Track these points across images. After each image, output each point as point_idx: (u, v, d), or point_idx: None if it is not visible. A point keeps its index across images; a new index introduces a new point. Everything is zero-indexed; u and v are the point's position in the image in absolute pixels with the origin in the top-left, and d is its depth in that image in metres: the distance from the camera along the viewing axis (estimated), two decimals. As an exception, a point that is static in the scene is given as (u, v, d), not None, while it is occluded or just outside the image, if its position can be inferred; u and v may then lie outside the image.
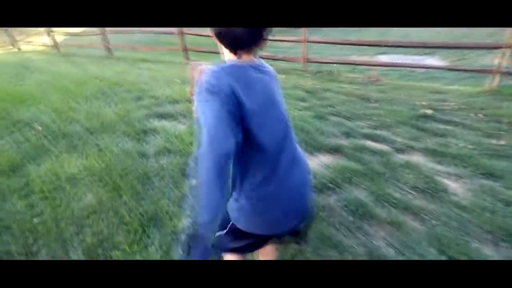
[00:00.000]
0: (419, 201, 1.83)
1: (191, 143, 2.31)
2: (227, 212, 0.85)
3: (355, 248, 1.48)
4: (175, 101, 3.53)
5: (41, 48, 9.74)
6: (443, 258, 1.42)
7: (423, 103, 3.60)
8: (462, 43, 4.61)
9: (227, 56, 0.76)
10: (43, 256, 1.39)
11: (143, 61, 6.87)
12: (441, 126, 2.93)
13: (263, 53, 4.82)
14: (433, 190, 1.91)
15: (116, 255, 1.36)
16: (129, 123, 2.83)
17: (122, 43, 8.65)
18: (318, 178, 1.99)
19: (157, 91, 3.96)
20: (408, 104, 3.55)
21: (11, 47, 9.89)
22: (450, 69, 4.72)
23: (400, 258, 1.43)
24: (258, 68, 0.77)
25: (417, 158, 2.32)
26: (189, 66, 0.93)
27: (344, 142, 2.53)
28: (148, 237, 1.46)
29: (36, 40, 10.45)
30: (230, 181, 0.72)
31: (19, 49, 9.88)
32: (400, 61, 7.18)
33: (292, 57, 5.62)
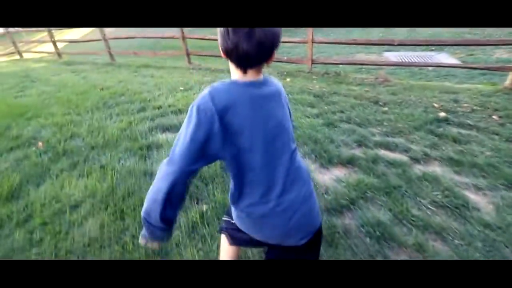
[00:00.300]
0: (439, 218, 1.71)
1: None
2: None
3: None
4: (179, 111, 3.44)
5: (43, 55, 9.76)
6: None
7: (436, 104, 3.45)
8: (472, 40, 4.43)
9: (233, 72, 0.77)
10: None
11: (145, 67, 6.80)
12: (456, 130, 2.78)
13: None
14: (454, 205, 1.79)
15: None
16: (132, 137, 2.74)
17: (124, 49, 8.62)
18: (331, 194, 1.88)
19: (160, 100, 3.87)
20: (420, 107, 3.40)
21: (14, 54, 9.93)
22: (463, 67, 4.53)
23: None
24: (261, 85, 0.77)
25: (434, 168, 2.19)
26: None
27: (356, 152, 2.41)
28: (153, 267, 1.37)
29: (38, 48, 10.49)
30: (184, 193, 0.79)
31: (21, 56, 9.91)
32: (407, 58, 7.00)
33: (298, 59, 5.50)
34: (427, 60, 6.76)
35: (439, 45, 4.57)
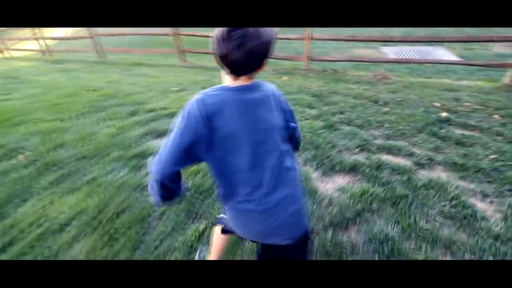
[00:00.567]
0: (447, 230, 1.63)
1: (193, 172, 2.09)
2: None
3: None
4: (172, 114, 3.30)
5: (31, 53, 9.42)
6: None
7: (437, 104, 3.37)
8: (473, 37, 4.35)
9: (225, 77, 0.80)
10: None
11: (137, 65, 6.59)
12: (459, 132, 2.71)
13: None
14: (462, 215, 1.71)
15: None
16: (124, 145, 2.61)
17: (114, 46, 8.35)
18: (336, 207, 1.79)
19: (153, 103, 3.72)
20: (421, 106, 3.32)
21: (0, 54, 9.57)
22: (463, 64, 4.45)
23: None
24: (250, 90, 0.78)
25: (439, 174, 2.12)
26: None
27: (359, 157, 2.31)
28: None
29: (26, 46, 10.12)
30: (176, 180, 0.84)
31: (8, 54, 9.55)
32: (405, 53, 6.91)
33: (294, 56, 5.36)
34: (425, 54, 6.68)
35: (440, 41, 4.48)
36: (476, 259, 1.47)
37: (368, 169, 2.13)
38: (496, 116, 3.02)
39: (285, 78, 4.64)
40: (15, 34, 11.11)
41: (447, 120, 2.95)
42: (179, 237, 1.59)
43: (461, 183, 2.02)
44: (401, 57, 6.52)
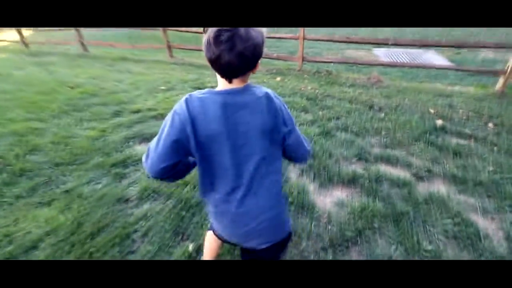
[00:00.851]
0: (451, 251, 1.56)
1: (182, 183, 1.93)
2: None
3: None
4: (160, 116, 3.09)
5: (6, 43, 8.81)
6: None
7: (431, 110, 3.34)
8: (467, 43, 4.36)
9: (218, 80, 0.80)
10: None
11: (122, 59, 6.26)
12: (455, 141, 2.67)
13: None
14: (465, 235, 1.64)
15: None
16: (105, 150, 2.39)
17: (97, 39, 7.92)
18: (335, 225, 1.68)
19: (139, 103, 3.49)
20: (417, 112, 3.28)
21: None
22: (456, 70, 4.46)
23: None
24: (238, 94, 0.78)
25: (439, 187, 2.05)
26: None
27: (357, 168, 2.22)
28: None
29: (0, 36, 9.46)
30: (172, 171, 0.81)
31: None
32: (396, 55, 6.92)
33: (287, 56, 5.22)
34: (415, 57, 6.72)
35: (436, 46, 4.45)
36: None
37: (367, 182, 2.04)
38: (490, 125, 3.01)
39: (278, 79, 4.50)
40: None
41: (442, 128, 2.91)
42: (166, 258, 1.44)
43: (462, 197, 1.96)
44: (393, 60, 6.52)
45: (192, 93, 0.80)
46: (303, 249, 1.52)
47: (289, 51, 6.97)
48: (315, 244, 1.55)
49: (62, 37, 8.18)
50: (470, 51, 6.86)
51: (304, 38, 4.67)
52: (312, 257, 1.47)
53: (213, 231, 1.06)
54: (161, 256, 1.46)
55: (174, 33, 6.18)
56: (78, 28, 6.73)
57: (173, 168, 0.79)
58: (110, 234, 1.57)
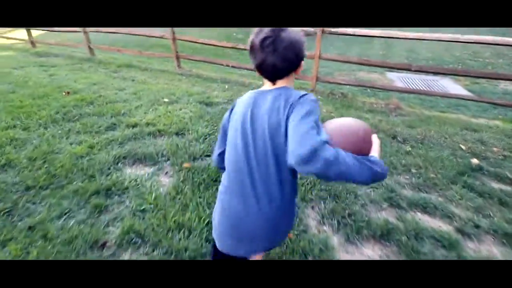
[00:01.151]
0: None
1: (178, 226, 1.54)
2: None
3: None
4: (159, 132, 2.75)
5: (15, 41, 8.68)
6: None
7: (462, 146, 2.98)
8: (498, 74, 4.07)
9: (264, 82, 0.87)
10: None
11: (128, 67, 6.02)
12: (496, 186, 2.30)
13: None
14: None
15: None
16: (88, 172, 2.03)
17: (107, 44, 7.76)
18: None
19: (138, 115, 3.16)
20: (446, 148, 2.92)
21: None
22: (480, 101, 4.15)
23: None
24: (270, 92, 0.82)
25: (491, 249, 1.66)
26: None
27: (390, 216, 1.83)
28: None
29: (11, 34, 9.37)
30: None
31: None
32: (411, 81, 6.67)
33: (301, 75, 4.94)
34: (431, 84, 6.44)
35: (463, 75, 4.14)
36: None
37: (404, 237, 1.65)
38: (530, 167, 2.64)
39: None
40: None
41: (479, 169, 2.54)
42: None
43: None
44: (408, 85, 6.26)
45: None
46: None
47: (302, 70, 6.72)
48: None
49: (73, 39, 8.03)
50: (488, 82, 6.60)
51: (320, 58, 4.40)
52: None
53: None
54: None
55: (183, 43, 5.97)
56: (86, 30, 6.57)
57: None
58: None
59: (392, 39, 4.50)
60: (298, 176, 0.93)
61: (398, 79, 6.80)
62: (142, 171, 2.16)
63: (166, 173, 2.13)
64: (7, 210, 1.64)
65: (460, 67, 7.78)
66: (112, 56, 7.21)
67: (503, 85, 6.37)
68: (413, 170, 2.42)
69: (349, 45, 10.18)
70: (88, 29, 6.62)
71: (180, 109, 3.41)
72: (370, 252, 1.57)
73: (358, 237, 1.64)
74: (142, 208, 1.69)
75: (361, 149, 0.74)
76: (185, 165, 2.15)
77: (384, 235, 1.67)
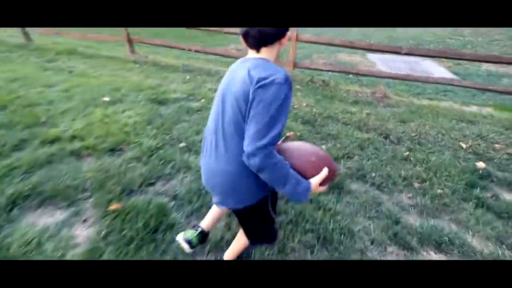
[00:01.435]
0: None
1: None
2: None
3: None
4: (87, 150, 2.04)
5: None
6: None
7: (463, 144, 2.57)
8: (482, 56, 3.69)
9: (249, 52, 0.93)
10: None
11: (69, 53, 4.99)
12: (509, 198, 1.91)
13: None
14: None
15: None
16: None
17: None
18: None
19: (62, 124, 2.39)
20: (446, 148, 2.49)
21: None
22: (471, 88, 3.77)
23: None
24: (246, 62, 0.88)
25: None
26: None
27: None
28: None
29: None
30: None
31: None
32: (393, 63, 6.24)
33: (277, 61, 4.27)
34: (413, 66, 6.07)
35: (457, 58, 3.69)
36: None
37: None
38: (538, 167, 2.29)
39: (264, 90, 3.55)
40: None
41: (487, 176, 2.13)
42: None
43: None
44: (391, 68, 5.83)
45: None
46: None
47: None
48: None
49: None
50: (470, 63, 6.34)
51: (297, 40, 3.76)
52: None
53: None
54: None
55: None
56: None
57: None
58: None
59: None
60: None
61: (380, 61, 6.35)
62: (50, 218, 1.48)
63: (85, 220, 1.47)
64: None
65: (441, 46, 7.49)
66: (54, 41, 6.05)
67: (486, 65, 6.14)
68: (416, 185, 1.96)
69: (324, 29, 9.50)
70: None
71: (123, 112, 2.67)
72: None
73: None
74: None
75: (306, 171, 0.85)
76: (113, 206, 1.50)
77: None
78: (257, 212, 0.98)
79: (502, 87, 3.72)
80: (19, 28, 5.65)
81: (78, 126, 2.33)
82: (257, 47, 0.85)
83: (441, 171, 2.12)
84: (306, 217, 1.54)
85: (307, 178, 0.83)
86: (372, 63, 6.13)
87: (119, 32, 4.87)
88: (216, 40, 7.69)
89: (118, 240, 1.32)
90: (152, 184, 1.75)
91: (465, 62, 6.44)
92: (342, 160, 2.16)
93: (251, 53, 0.88)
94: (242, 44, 0.88)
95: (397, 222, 1.60)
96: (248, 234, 1.09)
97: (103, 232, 1.36)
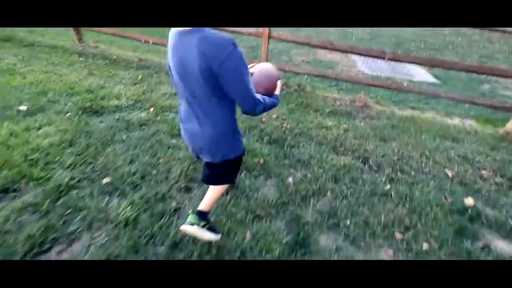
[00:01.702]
0: None
1: None
2: None
3: None
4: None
5: None
6: None
7: (448, 172, 2.26)
8: (480, 67, 3.41)
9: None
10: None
11: (4, 40, 4.15)
12: (506, 248, 1.62)
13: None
14: None
15: None
16: None
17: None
18: None
19: None
20: (431, 176, 2.17)
21: None
22: (465, 102, 3.49)
23: None
24: (186, 34, 0.90)
25: None
26: None
27: None
28: None
29: None
30: None
31: None
32: (376, 64, 5.90)
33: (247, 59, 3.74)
34: (395, 67, 5.79)
35: (448, 68, 3.35)
36: None
37: None
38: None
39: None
40: None
41: (477, 216, 1.83)
42: None
43: None
44: (373, 69, 5.50)
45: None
46: None
47: (247, 52, 5.42)
48: None
49: None
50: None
51: (269, 37, 3.26)
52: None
53: None
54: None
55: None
56: None
57: None
58: None
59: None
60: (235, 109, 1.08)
61: (361, 61, 6.00)
62: None
63: None
64: None
65: (422, 46, 7.27)
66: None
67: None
68: (398, 235, 1.60)
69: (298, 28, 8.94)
70: None
71: (40, 128, 2.07)
72: None
73: None
74: None
75: (271, 88, 1.20)
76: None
77: None
78: (236, 164, 1.24)
79: (489, 100, 3.48)
80: None
81: (-37, 151, 1.73)
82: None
83: (426, 212, 1.79)
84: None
85: (272, 89, 1.21)
86: (353, 62, 5.77)
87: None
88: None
89: None
90: (43, 252, 1.24)
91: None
92: (311, 200, 1.75)
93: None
94: None
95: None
96: (220, 181, 1.28)
97: None
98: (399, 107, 3.66)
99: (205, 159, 1.19)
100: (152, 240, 1.36)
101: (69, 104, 2.44)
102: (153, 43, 3.83)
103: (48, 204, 1.45)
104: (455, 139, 2.86)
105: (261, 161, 2.01)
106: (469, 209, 1.87)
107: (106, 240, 1.32)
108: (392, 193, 1.92)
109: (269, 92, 1.18)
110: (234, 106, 1.07)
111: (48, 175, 1.65)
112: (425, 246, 1.55)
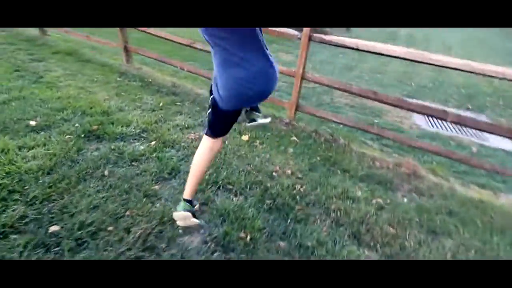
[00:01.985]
0: None
1: None
2: None
3: None
4: None
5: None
6: None
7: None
8: None
9: None
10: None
11: (67, 54, 4.61)
12: None
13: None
14: None
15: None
16: None
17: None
18: None
19: None
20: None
21: None
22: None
23: None
24: None
25: None
26: None
27: None
28: None
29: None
30: None
31: None
32: (440, 123, 4.93)
33: (274, 98, 3.40)
34: (469, 135, 4.65)
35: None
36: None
37: None
38: None
39: (246, 137, 2.69)
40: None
41: None
42: None
43: None
44: (437, 128, 4.62)
45: None
46: None
47: (278, 94, 4.43)
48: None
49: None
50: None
51: (302, 78, 2.88)
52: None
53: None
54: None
55: (144, 35, 4.45)
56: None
57: None
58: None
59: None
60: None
61: (425, 123, 5.09)
62: None
63: None
64: None
65: (501, 102, 6.06)
66: (66, 38, 5.83)
67: None
68: None
69: (335, 54, 8.15)
70: None
71: (32, 148, 1.96)
72: None
73: None
74: None
75: None
76: None
77: None
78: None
79: None
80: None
81: None
82: None
83: None
84: None
85: None
86: (408, 114, 4.98)
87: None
88: (202, 59, 7.01)
89: None
90: None
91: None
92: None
93: None
94: None
95: None
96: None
97: None
98: (463, 181, 2.82)
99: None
100: None
101: (76, 124, 2.36)
102: (187, 70, 3.79)
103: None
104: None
105: (248, 237, 1.53)
106: None
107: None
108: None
109: None
110: None
111: (2, 208, 1.45)
112: None
